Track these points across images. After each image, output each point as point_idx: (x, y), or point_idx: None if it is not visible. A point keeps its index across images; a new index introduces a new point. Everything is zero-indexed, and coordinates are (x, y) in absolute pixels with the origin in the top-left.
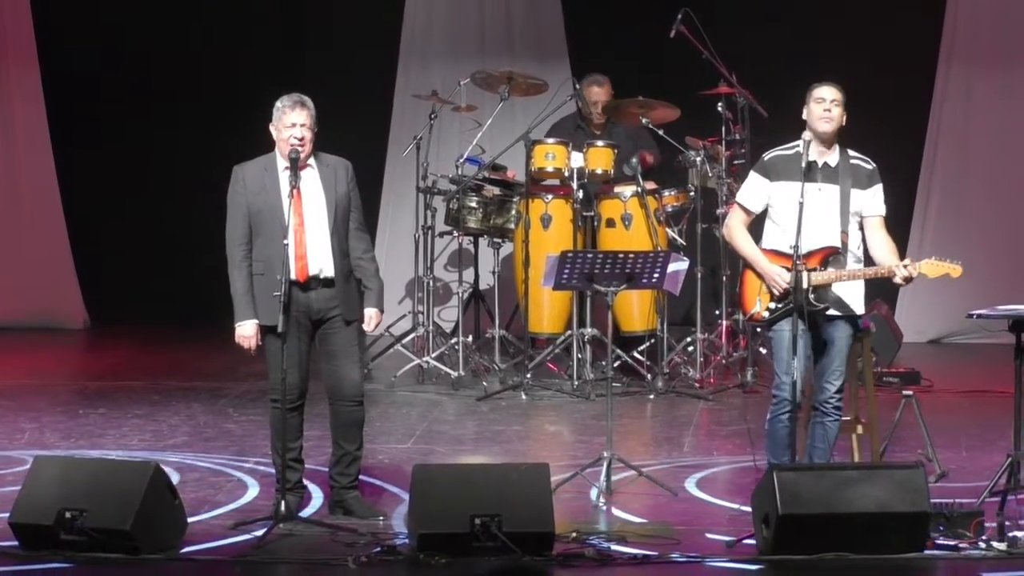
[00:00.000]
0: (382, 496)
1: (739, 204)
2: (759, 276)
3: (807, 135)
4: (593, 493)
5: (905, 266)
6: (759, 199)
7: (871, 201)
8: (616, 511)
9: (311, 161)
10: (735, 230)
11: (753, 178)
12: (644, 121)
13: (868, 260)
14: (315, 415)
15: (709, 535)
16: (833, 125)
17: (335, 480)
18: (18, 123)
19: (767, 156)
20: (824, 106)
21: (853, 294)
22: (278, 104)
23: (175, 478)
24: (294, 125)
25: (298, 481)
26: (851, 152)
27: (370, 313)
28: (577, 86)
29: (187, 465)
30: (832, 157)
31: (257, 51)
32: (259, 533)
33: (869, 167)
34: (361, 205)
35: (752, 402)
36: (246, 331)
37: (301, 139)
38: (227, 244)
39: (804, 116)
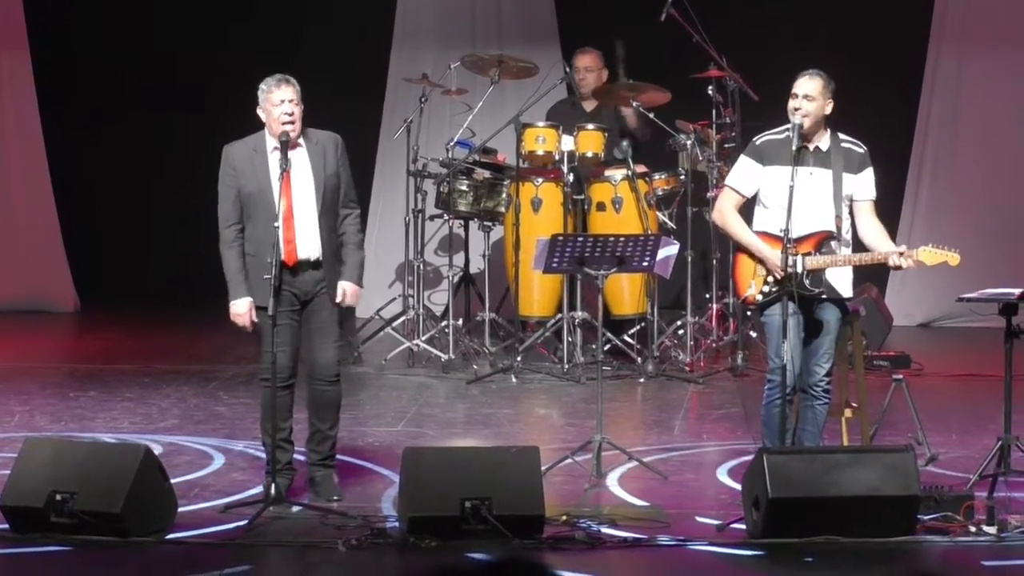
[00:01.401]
0: (372, 479)
1: (731, 188)
2: (755, 259)
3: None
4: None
5: (901, 253)
6: (751, 183)
7: (862, 185)
8: (606, 494)
9: (300, 139)
10: (728, 215)
11: (744, 162)
12: (635, 104)
13: (857, 244)
14: (304, 398)
15: (699, 518)
16: (809, 120)
17: (308, 456)
18: (8, 106)
19: (758, 140)
20: (795, 103)
21: (841, 278)
22: (262, 86)
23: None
24: (283, 102)
25: (288, 462)
26: (842, 136)
27: (343, 286)
28: (568, 69)
29: (178, 448)
30: (823, 141)
31: (249, 34)
32: (249, 516)
33: (860, 151)
34: (352, 180)
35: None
36: (240, 309)
37: (291, 115)
38: (219, 224)
39: (788, 106)
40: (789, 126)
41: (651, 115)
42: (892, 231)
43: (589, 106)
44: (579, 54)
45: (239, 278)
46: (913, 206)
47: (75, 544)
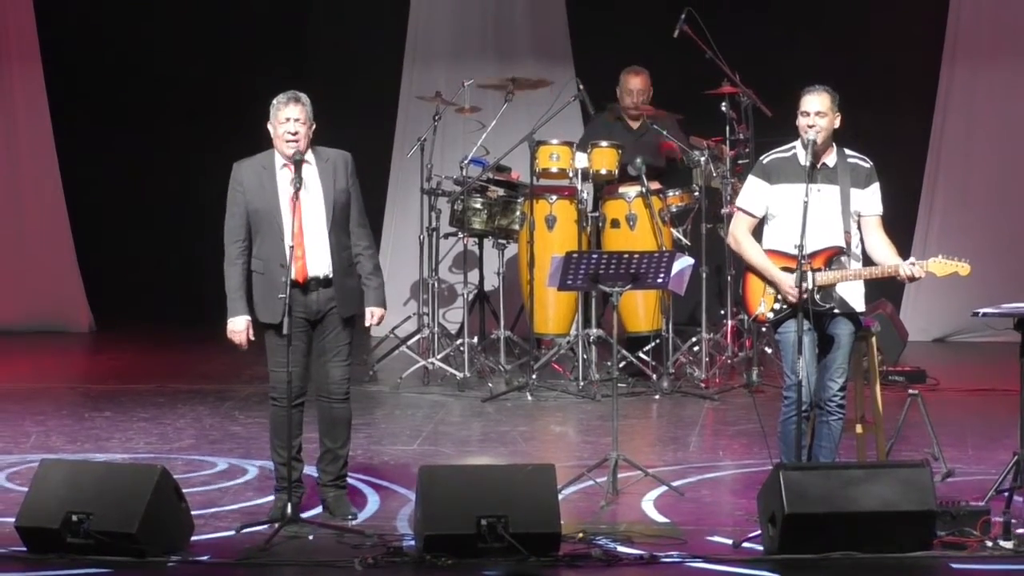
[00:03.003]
0: (387, 497)
1: (742, 210)
2: (764, 279)
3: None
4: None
5: (912, 264)
6: (761, 203)
7: (869, 200)
8: (622, 511)
9: (309, 156)
10: (742, 239)
11: (753, 182)
12: (647, 120)
13: (866, 259)
14: (315, 417)
15: (715, 535)
16: (822, 136)
17: (319, 477)
18: (22, 125)
19: (765, 159)
20: (808, 120)
21: (853, 292)
22: (273, 101)
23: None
24: (288, 120)
25: (296, 479)
26: (848, 151)
27: (371, 310)
28: (581, 86)
29: (193, 467)
30: (830, 157)
31: (261, 53)
32: (265, 535)
33: (866, 166)
34: (361, 198)
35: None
36: (237, 326)
37: (295, 133)
38: (224, 240)
39: (797, 123)
40: (794, 144)
41: (664, 133)
42: (907, 245)
43: (636, 124)
44: (630, 75)
45: (237, 295)
46: (927, 220)
47: (91, 565)
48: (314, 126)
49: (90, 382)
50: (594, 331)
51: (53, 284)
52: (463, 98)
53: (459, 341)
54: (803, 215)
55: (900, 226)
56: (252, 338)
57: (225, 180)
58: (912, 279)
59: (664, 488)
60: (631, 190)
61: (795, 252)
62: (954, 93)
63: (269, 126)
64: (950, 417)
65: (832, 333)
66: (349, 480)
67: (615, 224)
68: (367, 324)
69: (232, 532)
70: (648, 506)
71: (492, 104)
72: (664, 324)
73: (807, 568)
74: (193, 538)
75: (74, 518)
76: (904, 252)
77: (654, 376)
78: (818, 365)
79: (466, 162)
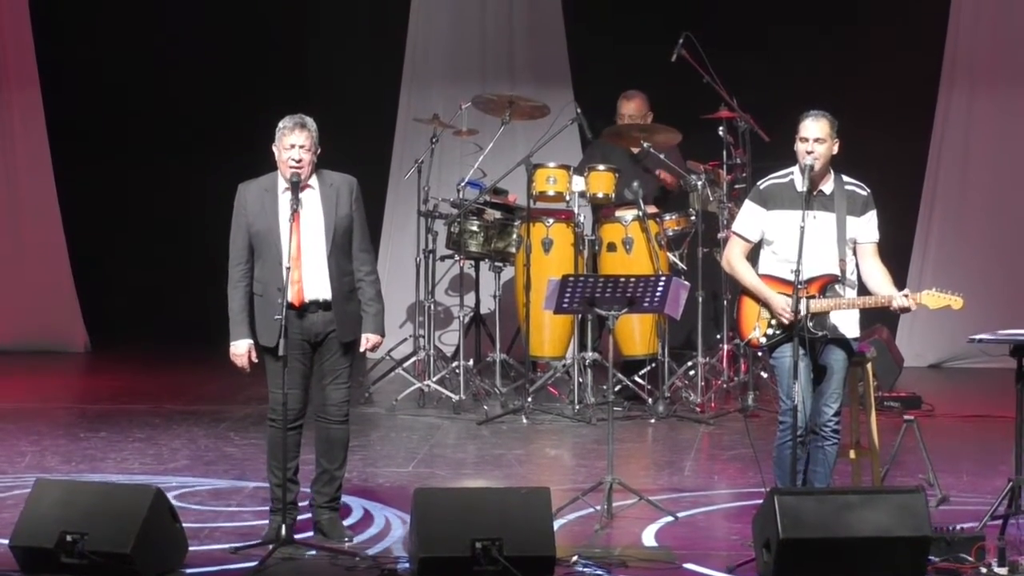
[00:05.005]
0: (382, 519)
1: (737, 234)
2: (758, 302)
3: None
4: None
5: (905, 296)
6: (756, 228)
7: (865, 228)
8: (616, 535)
9: (312, 181)
10: (735, 261)
11: (749, 207)
12: (645, 146)
13: (861, 286)
14: (312, 439)
15: (710, 560)
16: (820, 163)
17: (313, 498)
18: (19, 146)
19: (762, 185)
20: (807, 147)
21: (847, 319)
22: (280, 124)
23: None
24: (293, 147)
25: (292, 501)
26: (846, 178)
27: (366, 337)
28: (579, 110)
29: (188, 489)
30: (827, 184)
31: (259, 75)
32: (259, 557)
33: (864, 193)
34: (366, 223)
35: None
36: (238, 350)
37: (299, 161)
38: (229, 262)
39: (795, 148)
40: (791, 170)
41: (661, 156)
42: (903, 274)
43: (636, 149)
44: (623, 100)
45: (240, 319)
46: (924, 247)
47: None
48: (319, 150)
49: (86, 402)
50: (590, 354)
51: (49, 304)
52: (460, 120)
53: (455, 363)
54: (799, 241)
55: (897, 251)
56: (255, 360)
57: (223, 203)
58: (905, 310)
59: (659, 512)
60: (628, 214)
61: (790, 278)
62: (952, 117)
63: (274, 148)
64: (945, 443)
65: (825, 361)
66: (344, 501)
67: (611, 248)
68: (361, 349)
69: (227, 555)
70: (642, 530)
71: (489, 127)
72: (660, 348)
73: None
74: (187, 560)
75: (68, 538)
76: (900, 278)
77: (650, 400)
78: (813, 391)
79: (463, 184)
